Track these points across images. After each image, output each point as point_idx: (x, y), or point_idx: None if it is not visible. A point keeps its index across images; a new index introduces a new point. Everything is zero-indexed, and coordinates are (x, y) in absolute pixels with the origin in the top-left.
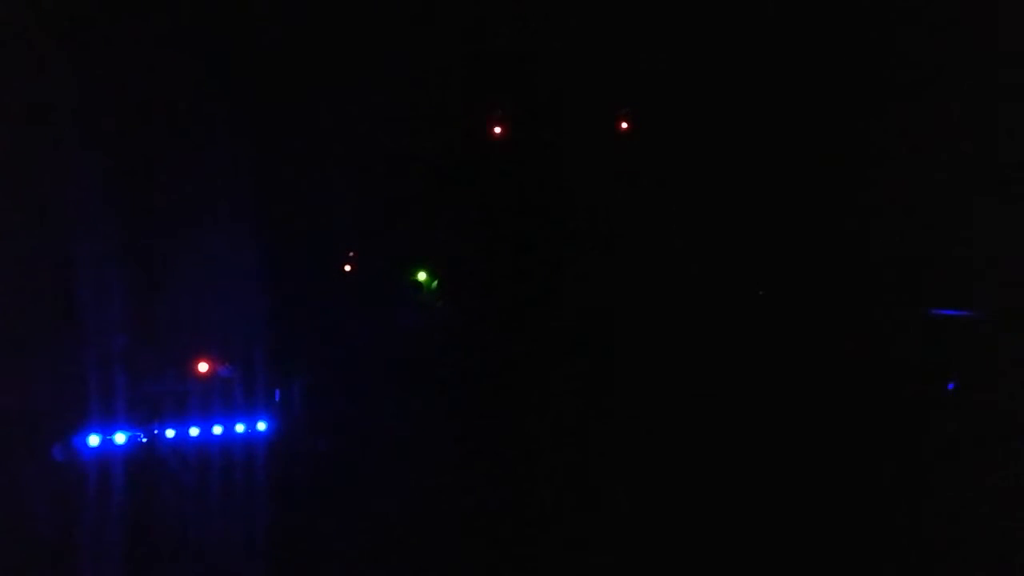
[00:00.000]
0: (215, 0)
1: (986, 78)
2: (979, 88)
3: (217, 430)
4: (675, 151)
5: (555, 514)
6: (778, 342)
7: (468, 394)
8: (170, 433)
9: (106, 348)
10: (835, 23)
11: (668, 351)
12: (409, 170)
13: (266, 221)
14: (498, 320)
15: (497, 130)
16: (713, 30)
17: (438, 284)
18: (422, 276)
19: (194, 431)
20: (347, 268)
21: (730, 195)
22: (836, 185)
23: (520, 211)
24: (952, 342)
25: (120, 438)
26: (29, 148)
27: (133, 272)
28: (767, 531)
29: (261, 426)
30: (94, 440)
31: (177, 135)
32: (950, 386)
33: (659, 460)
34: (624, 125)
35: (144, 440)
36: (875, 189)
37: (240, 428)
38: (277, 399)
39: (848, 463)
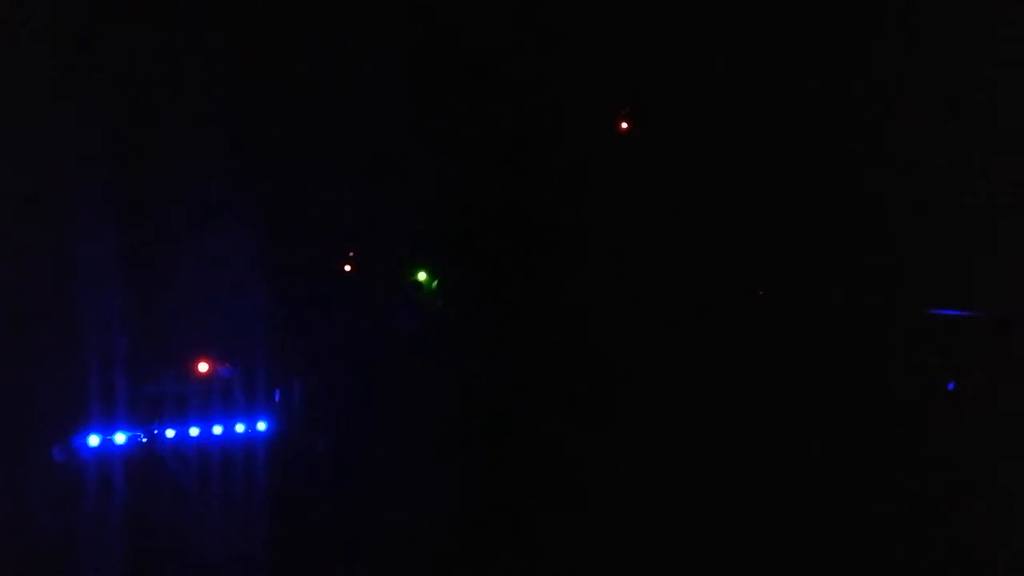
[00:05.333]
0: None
1: (987, 77)
2: (980, 87)
3: (217, 430)
4: (676, 151)
5: (555, 515)
6: (778, 342)
7: (468, 395)
8: (170, 433)
9: (106, 348)
10: (836, 22)
11: (669, 351)
12: (410, 170)
13: (266, 221)
14: (499, 321)
15: (498, 130)
16: (714, 29)
17: (438, 284)
18: (422, 276)
19: (194, 431)
20: (347, 268)
21: (731, 195)
22: (836, 185)
23: (521, 211)
24: (952, 342)
25: (120, 438)
26: (29, 148)
27: (133, 272)
28: (767, 531)
29: (261, 426)
30: (94, 440)
31: (177, 135)
32: (950, 386)
33: (661, 461)
34: (624, 125)
35: (144, 440)
36: (875, 189)
37: (240, 428)
38: (277, 399)
39: (847, 463)
